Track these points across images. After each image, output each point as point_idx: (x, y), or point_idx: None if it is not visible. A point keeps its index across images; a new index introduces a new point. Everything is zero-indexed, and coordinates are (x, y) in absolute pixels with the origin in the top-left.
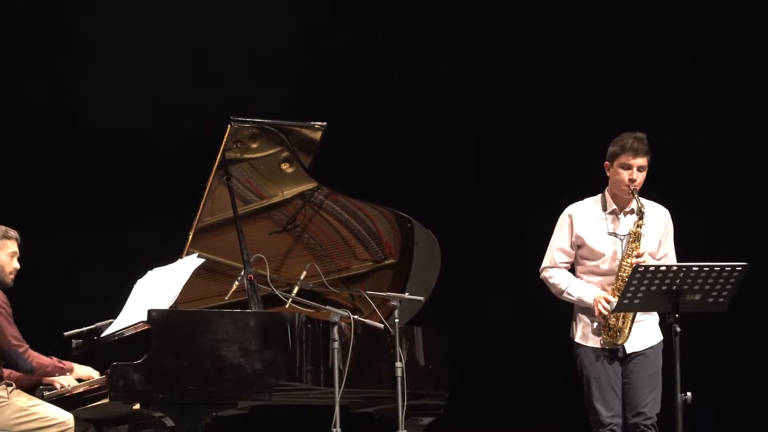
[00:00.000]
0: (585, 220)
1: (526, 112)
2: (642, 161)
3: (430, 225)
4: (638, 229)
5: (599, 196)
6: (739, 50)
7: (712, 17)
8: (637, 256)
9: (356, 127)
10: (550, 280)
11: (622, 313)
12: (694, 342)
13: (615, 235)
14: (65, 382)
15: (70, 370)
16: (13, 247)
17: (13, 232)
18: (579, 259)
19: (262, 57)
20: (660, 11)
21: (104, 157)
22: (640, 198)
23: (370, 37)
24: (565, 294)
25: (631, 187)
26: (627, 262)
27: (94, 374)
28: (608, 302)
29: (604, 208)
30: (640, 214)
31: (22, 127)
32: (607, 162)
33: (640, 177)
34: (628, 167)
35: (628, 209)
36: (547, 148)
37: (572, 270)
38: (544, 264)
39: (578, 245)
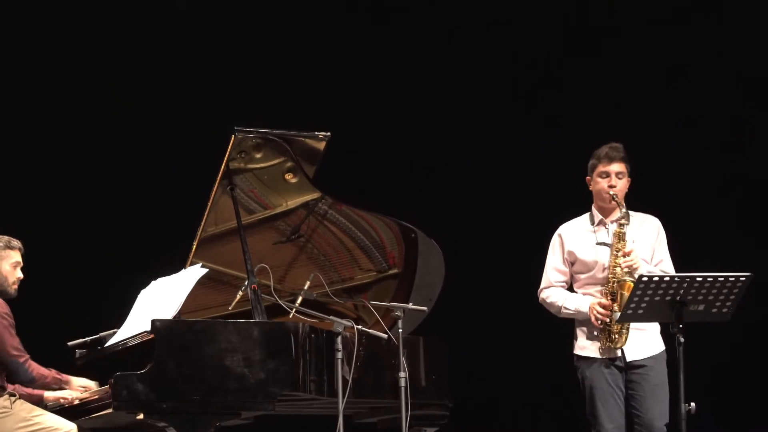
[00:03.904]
0: (574, 235)
1: (527, 117)
2: (618, 167)
3: (434, 235)
4: (621, 228)
5: (587, 213)
6: (737, 54)
7: (710, 20)
8: (624, 255)
9: (358, 133)
10: (548, 300)
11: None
12: (698, 351)
13: (605, 244)
14: (68, 395)
15: (68, 383)
16: (16, 257)
17: (16, 242)
18: (574, 275)
19: (265, 65)
20: (656, 18)
21: (108, 167)
22: (623, 204)
23: (371, 41)
24: (562, 310)
25: (612, 193)
26: (615, 263)
27: (92, 386)
28: (603, 306)
29: (592, 222)
30: (624, 215)
31: (25, 135)
32: (588, 176)
33: (620, 184)
34: (606, 175)
35: (614, 218)
36: (547, 154)
37: (570, 289)
38: (541, 286)
39: (571, 261)
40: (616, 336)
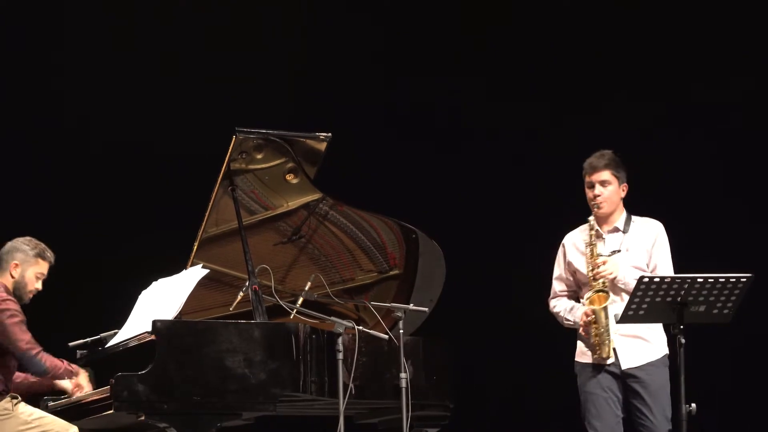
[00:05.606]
0: (574, 246)
1: (530, 120)
2: (601, 175)
3: (435, 236)
4: (592, 240)
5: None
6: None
7: (709, 28)
8: (594, 267)
9: (358, 134)
10: (554, 310)
11: (599, 330)
12: (699, 352)
13: (601, 255)
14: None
15: (77, 374)
16: (43, 268)
17: (50, 254)
18: (579, 285)
19: (266, 66)
20: (658, 26)
21: (109, 169)
22: (625, 213)
23: (371, 43)
24: (564, 321)
25: (595, 203)
26: (594, 273)
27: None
28: (587, 315)
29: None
30: (613, 229)
31: (27, 138)
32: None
33: (605, 192)
34: (591, 185)
35: (610, 228)
36: (549, 158)
37: (576, 299)
38: (550, 296)
39: (572, 272)
40: (598, 348)
